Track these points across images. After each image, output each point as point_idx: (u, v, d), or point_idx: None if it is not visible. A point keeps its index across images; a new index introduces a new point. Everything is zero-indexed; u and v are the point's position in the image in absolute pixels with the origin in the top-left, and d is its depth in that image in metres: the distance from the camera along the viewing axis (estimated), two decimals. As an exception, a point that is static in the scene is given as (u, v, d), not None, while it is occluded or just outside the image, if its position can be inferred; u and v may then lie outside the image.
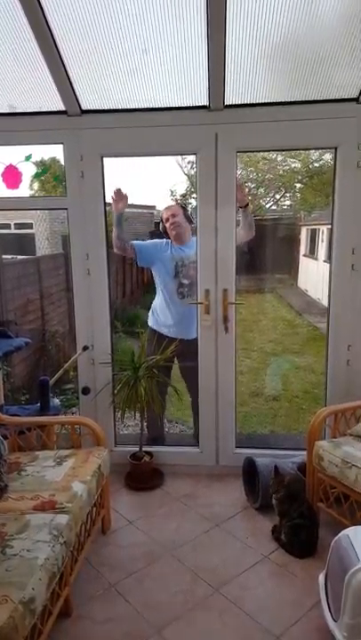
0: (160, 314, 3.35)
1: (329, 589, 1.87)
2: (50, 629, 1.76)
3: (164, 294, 3.30)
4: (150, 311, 3.43)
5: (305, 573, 2.20)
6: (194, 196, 2.95)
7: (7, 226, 9.40)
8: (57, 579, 1.75)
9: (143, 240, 3.50)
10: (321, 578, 1.96)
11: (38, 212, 8.61)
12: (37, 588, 1.56)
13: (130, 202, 3.17)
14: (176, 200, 9.11)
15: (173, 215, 3.21)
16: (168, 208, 3.31)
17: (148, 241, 3.46)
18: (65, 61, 2.44)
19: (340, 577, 1.70)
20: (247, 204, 3.07)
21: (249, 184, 9.59)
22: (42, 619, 1.68)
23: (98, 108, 2.74)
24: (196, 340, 3.03)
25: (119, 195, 3.07)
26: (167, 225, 3.25)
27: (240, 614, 1.99)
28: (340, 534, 1.86)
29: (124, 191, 3.08)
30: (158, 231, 3.44)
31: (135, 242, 3.28)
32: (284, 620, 1.95)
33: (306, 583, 2.14)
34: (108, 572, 2.24)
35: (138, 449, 3.03)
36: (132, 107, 2.72)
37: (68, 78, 2.53)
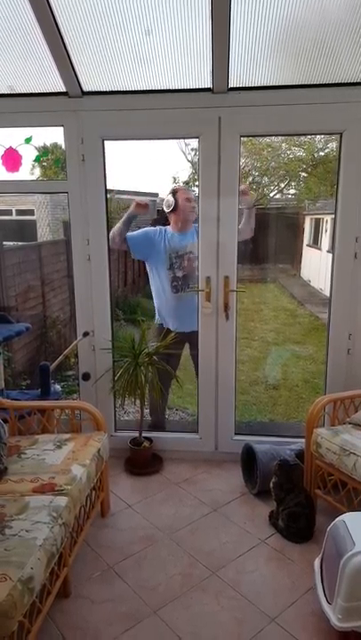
0: (159, 308, 3.31)
1: (324, 573, 1.89)
2: (49, 608, 1.78)
3: (158, 287, 3.26)
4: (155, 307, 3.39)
5: (301, 558, 2.23)
6: (197, 183, 2.91)
7: (9, 212, 9.37)
8: (56, 559, 1.77)
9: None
10: (317, 562, 1.98)
11: (40, 198, 8.57)
12: (36, 567, 1.58)
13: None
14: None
15: (193, 200, 3.14)
16: (185, 190, 3.25)
17: (140, 231, 3.32)
18: (66, 41, 2.40)
19: (336, 561, 1.72)
20: (253, 206, 3.06)
21: (253, 172, 9.50)
22: (41, 598, 1.70)
23: (99, 89, 2.70)
24: (195, 332, 3.02)
25: (145, 206, 3.09)
26: (186, 204, 3.13)
27: (236, 597, 2.01)
28: (336, 520, 1.87)
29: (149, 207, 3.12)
30: (161, 219, 3.38)
31: (128, 235, 3.18)
32: (280, 602, 1.98)
33: (302, 567, 2.16)
34: (107, 553, 2.27)
35: (138, 434, 3.05)
36: (133, 88, 2.69)
37: (69, 58, 2.49)
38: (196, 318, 3.00)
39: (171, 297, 3.22)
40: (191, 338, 3.08)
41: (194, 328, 3.04)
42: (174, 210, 3.17)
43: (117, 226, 3.10)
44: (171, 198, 3.17)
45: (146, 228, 3.36)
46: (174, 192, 3.20)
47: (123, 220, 3.10)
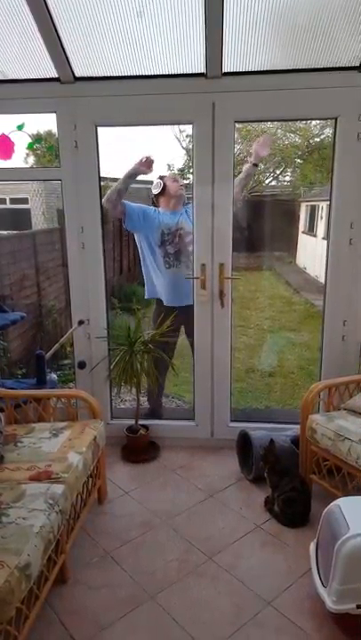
0: (152, 283, 3.35)
1: (319, 557, 1.91)
2: (46, 594, 1.80)
3: (151, 263, 3.30)
4: (145, 283, 3.42)
5: (297, 542, 2.25)
6: (192, 170, 2.89)
7: (3, 201, 9.28)
8: (53, 546, 1.78)
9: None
10: (312, 546, 2.00)
11: (34, 186, 8.46)
12: (33, 554, 1.59)
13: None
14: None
15: (179, 181, 3.27)
16: (171, 174, 3.37)
17: (138, 204, 3.35)
18: (57, 25, 2.35)
19: (331, 545, 1.74)
20: (257, 164, 3.10)
21: (248, 159, 9.42)
22: (38, 584, 1.72)
23: (92, 75, 2.66)
24: (191, 306, 3.02)
25: (149, 163, 3.07)
26: (173, 185, 3.23)
27: (232, 581, 2.04)
28: (331, 504, 1.89)
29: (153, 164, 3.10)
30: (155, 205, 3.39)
31: (127, 202, 3.21)
32: (276, 586, 2.00)
33: (298, 552, 2.18)
34: (104, 540, 2.29)
35: (134, 422, 3.06)
36: (126, 74, 2.64)
37: (61, 43, 2.44)
38: (190, 293, 3.01)
39: (164, 272, 3.26)
40: (187, 315, 3.08)
41: (188, 302, 3.06)
42: (163, 191, 3.26)
43: (117, 184, 3.10)
44: (159, 181, 3.28)
45: (144, 205, 3.39)
46: (161, 177, 3.31)
47: (123, 176, 3.10)
